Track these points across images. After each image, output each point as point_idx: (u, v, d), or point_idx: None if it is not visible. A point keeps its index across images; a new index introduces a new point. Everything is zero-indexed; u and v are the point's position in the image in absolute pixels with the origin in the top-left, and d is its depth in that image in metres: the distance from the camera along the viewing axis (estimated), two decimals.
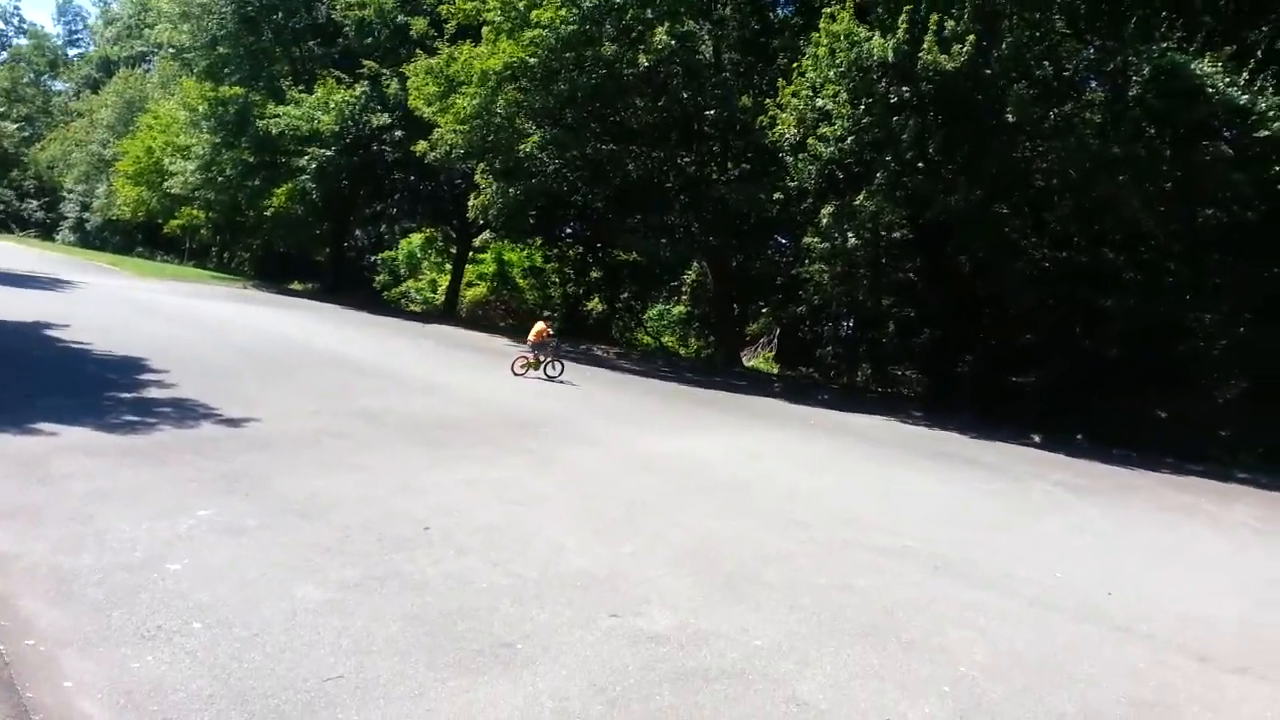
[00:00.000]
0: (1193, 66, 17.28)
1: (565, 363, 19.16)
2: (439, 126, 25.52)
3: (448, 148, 25.43)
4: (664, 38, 22.01)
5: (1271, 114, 17.38)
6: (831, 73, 19.43)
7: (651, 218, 26.28)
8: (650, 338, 35.69)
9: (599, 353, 26.78)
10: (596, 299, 37.61)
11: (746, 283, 31.80)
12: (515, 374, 18.09)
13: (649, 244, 25.69)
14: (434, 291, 42.04)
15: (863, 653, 5.48)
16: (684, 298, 37.08)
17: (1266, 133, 17.46)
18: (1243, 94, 17.32)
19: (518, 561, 6.34)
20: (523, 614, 5.38)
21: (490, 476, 8.91)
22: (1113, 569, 8.42)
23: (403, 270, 44.40)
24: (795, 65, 21.00)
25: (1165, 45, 17.90)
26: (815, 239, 21.23)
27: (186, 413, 10.09)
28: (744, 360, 31.62)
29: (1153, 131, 18.54)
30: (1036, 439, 17.69)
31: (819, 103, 19.88)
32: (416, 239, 43.45)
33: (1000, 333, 25.19)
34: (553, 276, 38.89)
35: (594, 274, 37.24)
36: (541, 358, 18.62)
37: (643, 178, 25.13)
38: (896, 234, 24.96)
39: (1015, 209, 21.30)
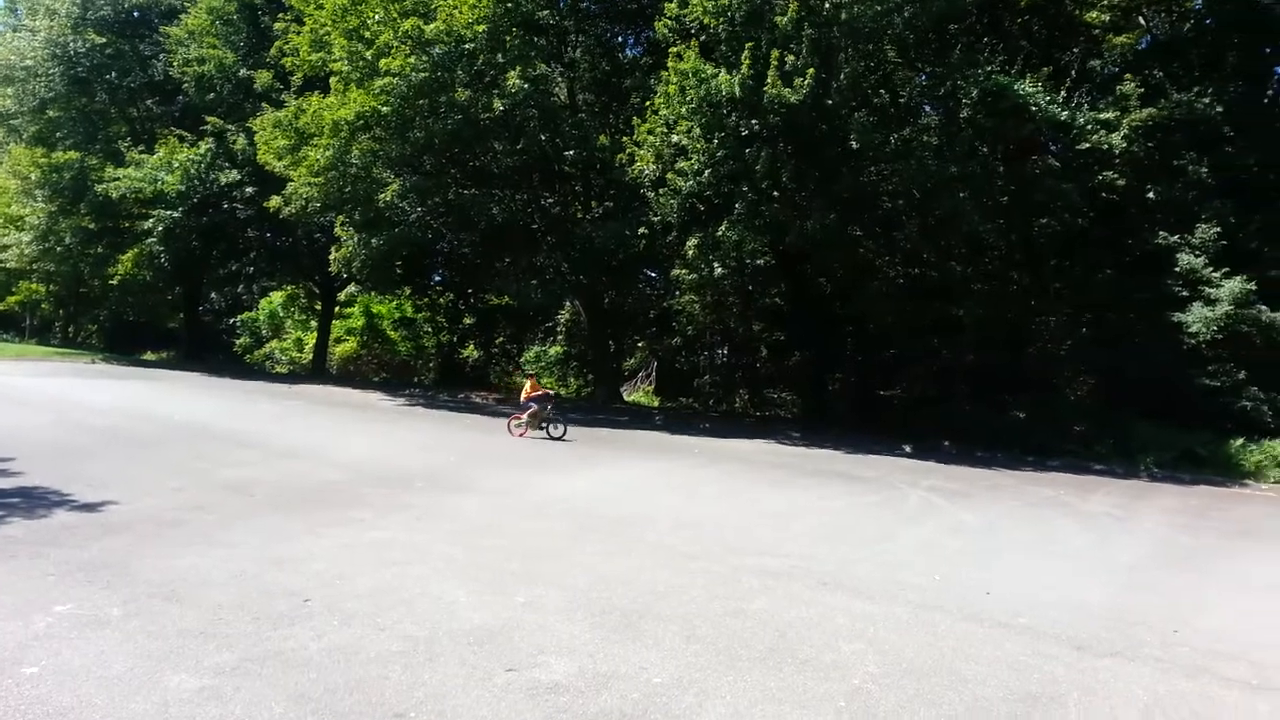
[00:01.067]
0: (1016, 87, 18.50)
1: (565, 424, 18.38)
2: (292, 180, 24.87)
3: (303, 201, 24.79)
4: (517, 82, 22.11)
5: (1090, 127, 18.76)
6: (684, 109, 19.92)
7: (520, 260, 26.23)
8: None
9: (478, 400, 26.45)
10: (471, 346, 37.19)
11: (620, 318, 32.06)
12: (511, 434, 17.95)
13: (520, 287, 25.57)
14: (300, 351, 40.71)
15: (761, 677, 5.52)
16: (560, 338, 37.07)
17: (1087, 145, 18.84)
18: (1062, 110, 18.63)
19: (406, 624, 6.13)
20: (414, 679, 5.19)
21: (371, 538, 8.61)
22: (989, 567, 8.79)
23: (265, 331, 42.86)
24: (648, 103, 21.44)
25: (990, 69, 19.14)
26: (683, 271, 21.60)
27: (36, 501, 9.39)
28: (624, 395, 31.78)
29: (985, 150, 19.78)
30: (907, 449, 18.39)
31: (674, 139, 20.36)
32: (277, 297, 42.05)
33: (866, 349, 26.21)
34: (425, 326, 38.30)
35: (467, 320, 36.86)
36: (540, 416, 18.02)
37: (508, 221, 25.07)
38: (760, 261, 25.71)
39: (869, 230, 22.26)
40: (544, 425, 17.93)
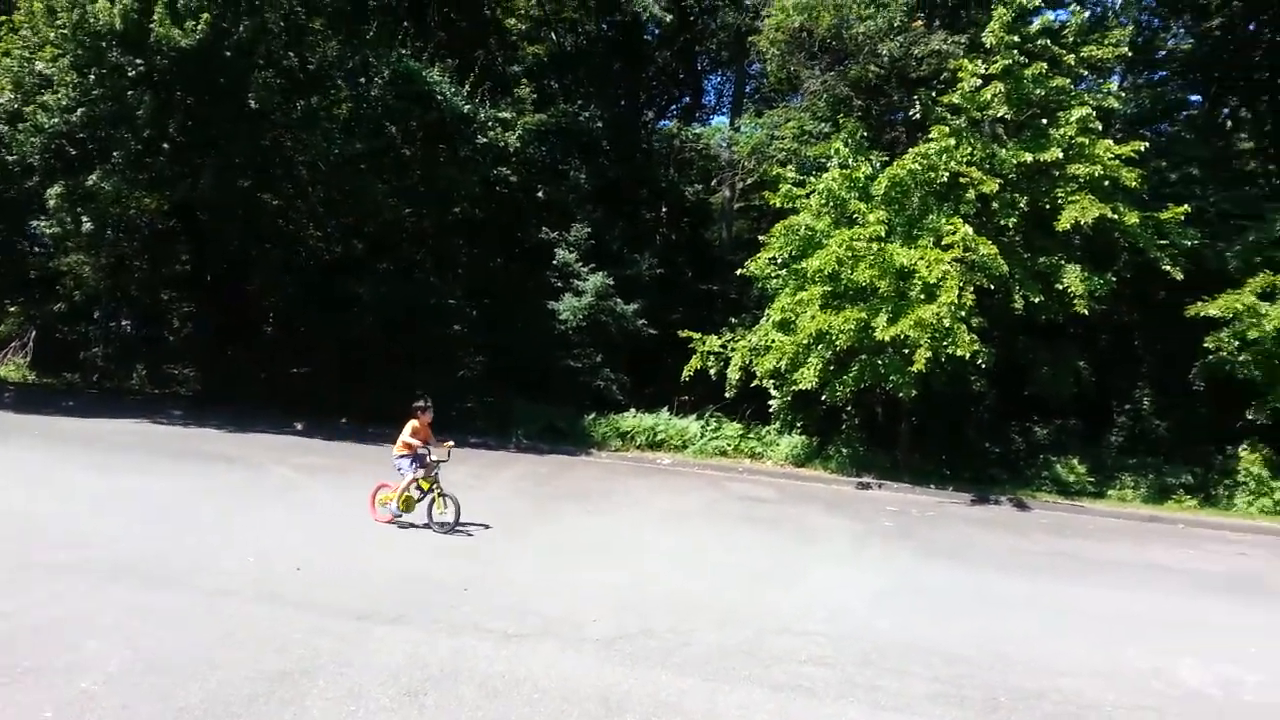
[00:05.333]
0: (425, 74, 19.05)
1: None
2: None
3: None
4: None
5: (490, 124, 20.07)
6: (53, 34, 17.09)
7: None
8: None
9: None
10: None
11: None
12: (374, 515, 10.17)
13: None
14: None
15: None
16: None
17: (485, 140, 20.11)
18: (465, 104, 19.63)
19: None
20: None
21: None
22: (318, 544, 8.76)
23: None
24: (7, 20, 18.06)
25: (403, 51, 19.45)
26: (45, 223, 18.56)
27: None
28: None
29: (395, 131, 20.08)
30: (299, 426, 17.94)
31: (38, 66, 17.37)
32: None
33: (277, 323, 25.16)
34: None
35: None
36: (428, 484, 9.97)
37: None
38: (173, 222, 23.30)
39: (281, 198, 21.33)
40: (424, 496, 9.96)
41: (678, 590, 8.16)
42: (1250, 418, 15.47)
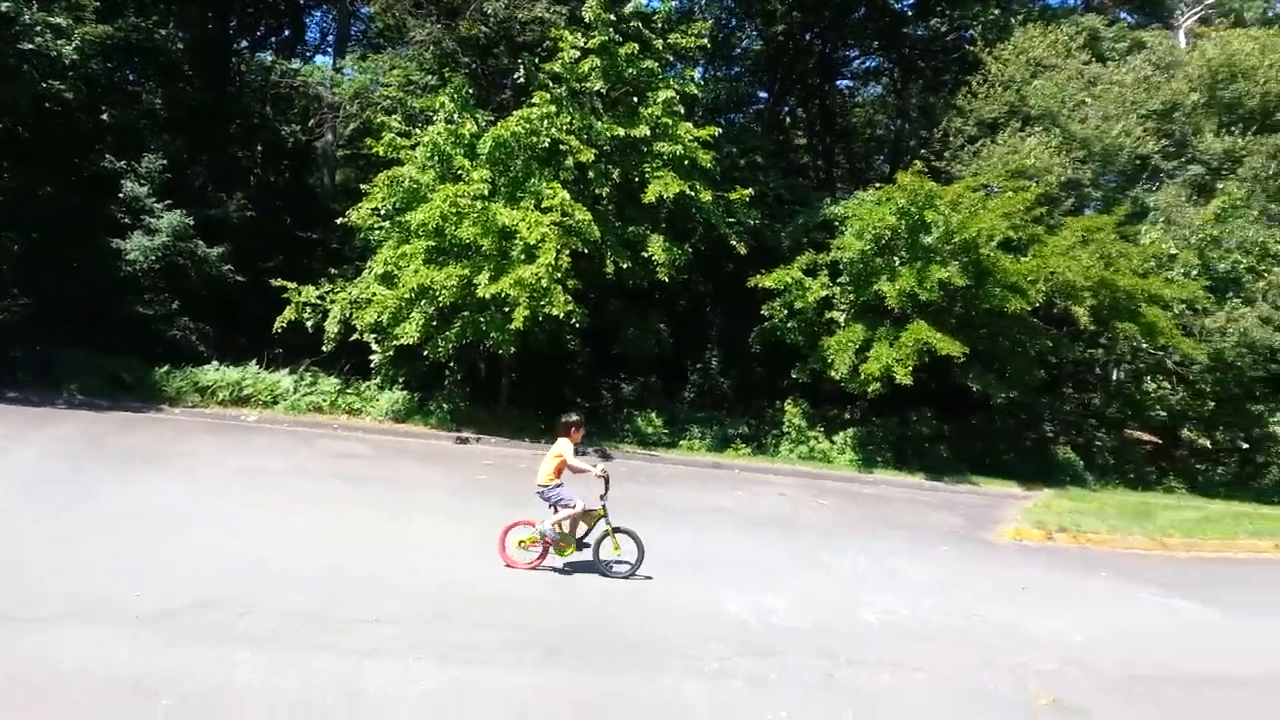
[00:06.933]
0: None
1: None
2: None
3: None
4: None
5: (39, 28, 17.11)
6: None
7: None
8: None
9: None
10: None
11: None
12: (510, 560, 8.17)
13: None
14: None
15: None
16: None
17: (32, 45, 17.12)
18: (5, 1, 16.56)
19: None
20: None
21: None
22: None
23: None
24: None
25: None
26: None
27: None
28: None
29: None
30: None
31: None
32: None
33: None
34: None
35: None
36: (591, 519, 8.27)
37: None
38: None
39: None
40: (586, 539, 8.33)
41: (245, 556, 7.69)
42: (794, 377, 17.96)
